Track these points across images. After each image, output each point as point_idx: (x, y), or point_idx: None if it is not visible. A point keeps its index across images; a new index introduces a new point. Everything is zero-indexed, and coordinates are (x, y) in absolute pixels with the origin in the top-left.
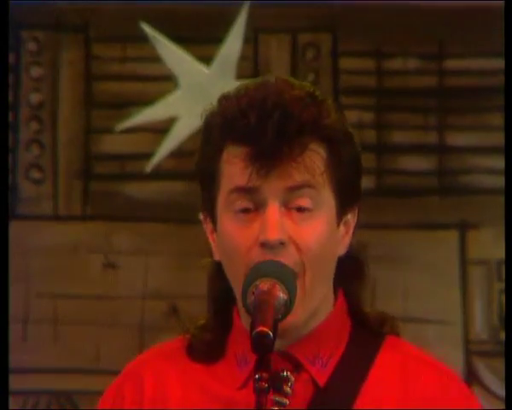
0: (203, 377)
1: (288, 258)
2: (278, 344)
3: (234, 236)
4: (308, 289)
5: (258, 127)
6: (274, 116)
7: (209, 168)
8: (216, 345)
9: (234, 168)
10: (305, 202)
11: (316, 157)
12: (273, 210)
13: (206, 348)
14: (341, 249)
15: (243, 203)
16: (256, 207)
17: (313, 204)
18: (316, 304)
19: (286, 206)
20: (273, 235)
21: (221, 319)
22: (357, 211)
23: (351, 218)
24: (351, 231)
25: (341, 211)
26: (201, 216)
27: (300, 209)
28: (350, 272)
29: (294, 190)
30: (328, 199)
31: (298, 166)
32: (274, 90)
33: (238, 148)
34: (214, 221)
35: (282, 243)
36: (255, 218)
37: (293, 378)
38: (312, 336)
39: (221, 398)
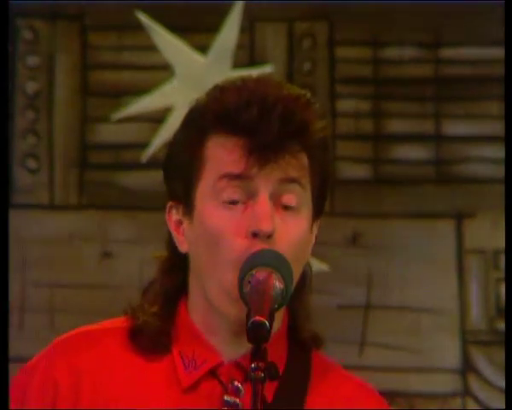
0: (146, 374)
1: None
2: (232, 354)
3: (221, 225)
4: None
5: (261, 120)
6: (276, 111)
7: (189, 156)
8: (164, 336)
9: (227, 156)
10: (291, 199)
11: (304, 158)
12: (265, 201)
13: (155, 337)
14: (308, 256)
15: (232, 194)
16: (244, 198)
17: (298, 202)
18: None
19: (274, 200)
20: (267, 226)
21: (169, 311)
22: (318, 227)
23: (315, 229)
24: (313, 242)
25: (313, 217)
26: (168, 207)
27: (286, 207)
28: (296, 287)
29: (285, 183)
30: (309, 200)
31: (291, 162)
32: (273, 86)
33: (233, 137)
34: (189, 210)
35: (270, 235)
36: (243, 208)
37: (243, 390)
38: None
39: (165, 399)
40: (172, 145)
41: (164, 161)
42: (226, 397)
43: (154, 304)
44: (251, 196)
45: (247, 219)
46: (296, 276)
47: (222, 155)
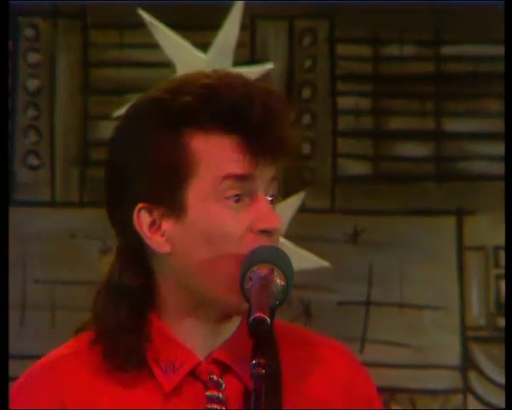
0: (125, 389)
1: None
2: (209, 348)
3: (226, 223)
4: None
5: (259, 119)
6: (275, 113)
7: (169, 157)
8: (137, 350)
9: (228, 157)
10: (275, 194)
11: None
12: (265, 198)
13: (128, 353)
14: None
15: (236, 193)
16: (245, 196)
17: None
18: None
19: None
20: (275, 222)
21: (139, 321)
22: None
23: None
24: None
25: None
26: (137, 209)
27: (272, 202)
28: None
29: (273, 180)
30: None
31: (276, 159)
32: (245, 81)
33: (227, 136)
34: (176, 210)
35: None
36: (246, 206)
37: (224, 383)
38: (238, 337)
39: (150, 407)
40: (134, 147)
41: (118, 162)
42: (207, 393)
43: (119, 308)
44: (250, 194)
45: (252, 216)
46: None
47: (221, 155)
